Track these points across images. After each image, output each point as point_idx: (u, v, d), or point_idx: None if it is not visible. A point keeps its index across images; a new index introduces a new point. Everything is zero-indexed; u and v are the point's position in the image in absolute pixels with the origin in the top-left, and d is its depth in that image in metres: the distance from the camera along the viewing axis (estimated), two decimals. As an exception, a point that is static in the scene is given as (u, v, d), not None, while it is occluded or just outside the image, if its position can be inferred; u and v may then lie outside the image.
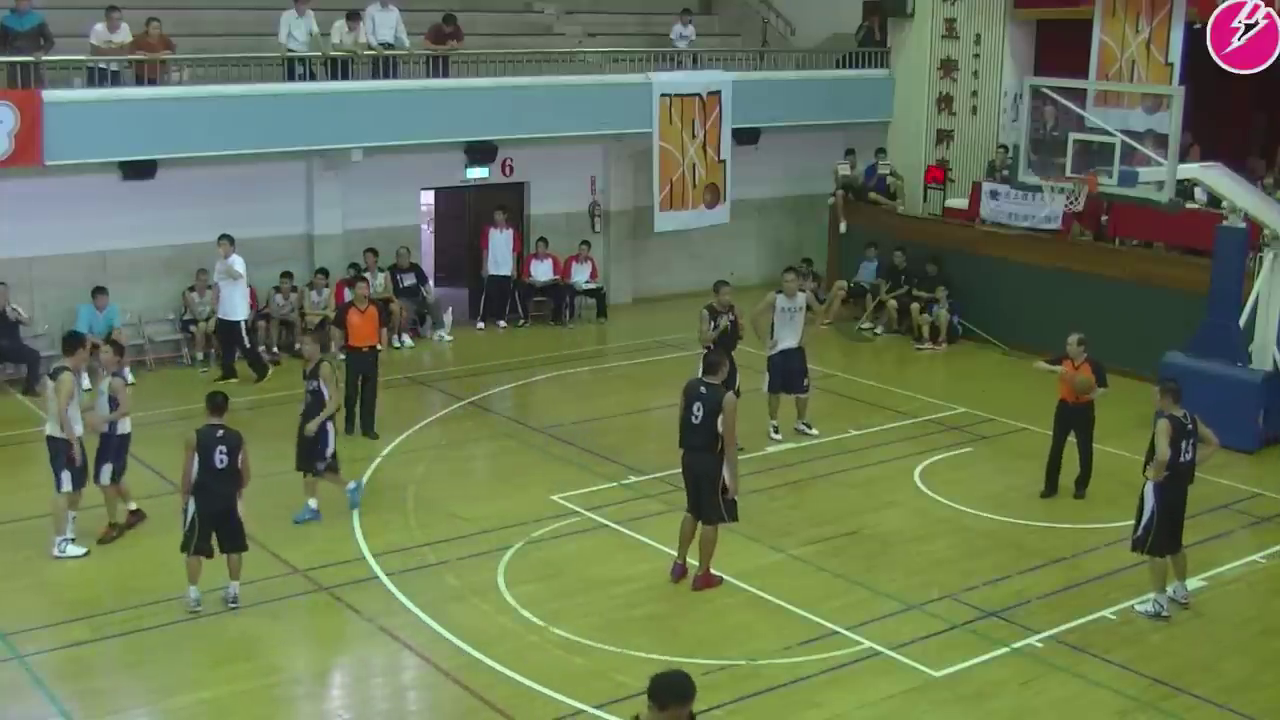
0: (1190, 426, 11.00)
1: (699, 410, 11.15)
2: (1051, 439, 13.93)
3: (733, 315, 14.73)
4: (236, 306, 17.49)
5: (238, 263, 17.31)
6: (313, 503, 12.94)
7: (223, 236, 17.33)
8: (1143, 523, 11.12)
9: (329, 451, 12.87)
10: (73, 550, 11.99)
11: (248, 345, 17.76)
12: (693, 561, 11.59)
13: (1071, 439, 13.87)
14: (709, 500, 11.28)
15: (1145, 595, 11.30)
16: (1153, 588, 11.20)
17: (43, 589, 11.38)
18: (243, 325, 17.65)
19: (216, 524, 10.87)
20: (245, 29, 19.78)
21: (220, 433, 10.83)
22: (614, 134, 21.49)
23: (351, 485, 13.19)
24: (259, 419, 16.41)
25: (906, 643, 10.58)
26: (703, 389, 11.24)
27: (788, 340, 15.37)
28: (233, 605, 10.97)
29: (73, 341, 12.54)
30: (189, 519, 10.84)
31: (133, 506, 12.67)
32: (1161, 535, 11.06)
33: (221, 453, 10.75)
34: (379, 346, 15.57)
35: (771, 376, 15.44)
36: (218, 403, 11.07)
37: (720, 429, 11.07)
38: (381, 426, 15.53)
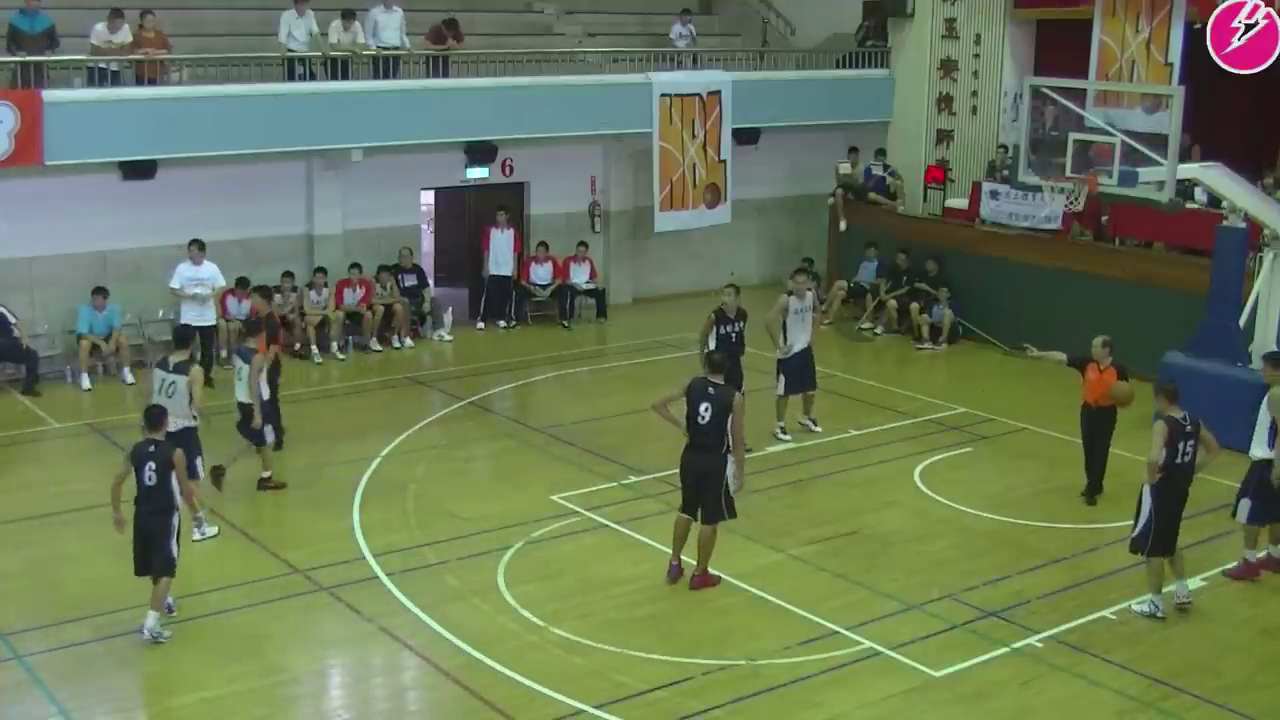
0: (1189, 429, 10.97)
1: (706, 410, 11.14)
2: (1083, 443, 13.90)
3: (739, 325, 14.73)
4: (208, 311, 17.16)
5: (216, 276, 17.08)
6: None
7: (193, 241, 17.12)
8: (1140, 524, 11.12)
9: None
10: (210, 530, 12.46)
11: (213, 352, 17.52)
12: (689, 560, 11.59)
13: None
14: (712, 500, 11.27)
15: (1143, 596, 11.30)
16: (1149, 588, 11.20)
17: (43, 589, 11.38)
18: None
19: (148, 545, 10.34)
20: (245, 29, 19.77)
21: (152, 448, 10.32)
22: (614, 134, 21.48)
23: None
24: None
25: (906, 643, 10.58)
26: (711, 389, 11.21)
27: (801, 341, 15.40)
28: (150, 641, 10.31)
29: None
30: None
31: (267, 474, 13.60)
32: (1160, 537, 11.05)
33: (150, 469, 10.23)
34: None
35: (788, 379, 15.45)
36: (154, 417, 10.62)
37: (729, 429, 11.09)
38: (381, 426, 15.55)
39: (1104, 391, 13.47)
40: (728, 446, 11.19)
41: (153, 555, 10.34)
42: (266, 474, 13.63)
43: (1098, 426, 13.69)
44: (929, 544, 12.70)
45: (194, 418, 12.18)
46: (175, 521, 10.42)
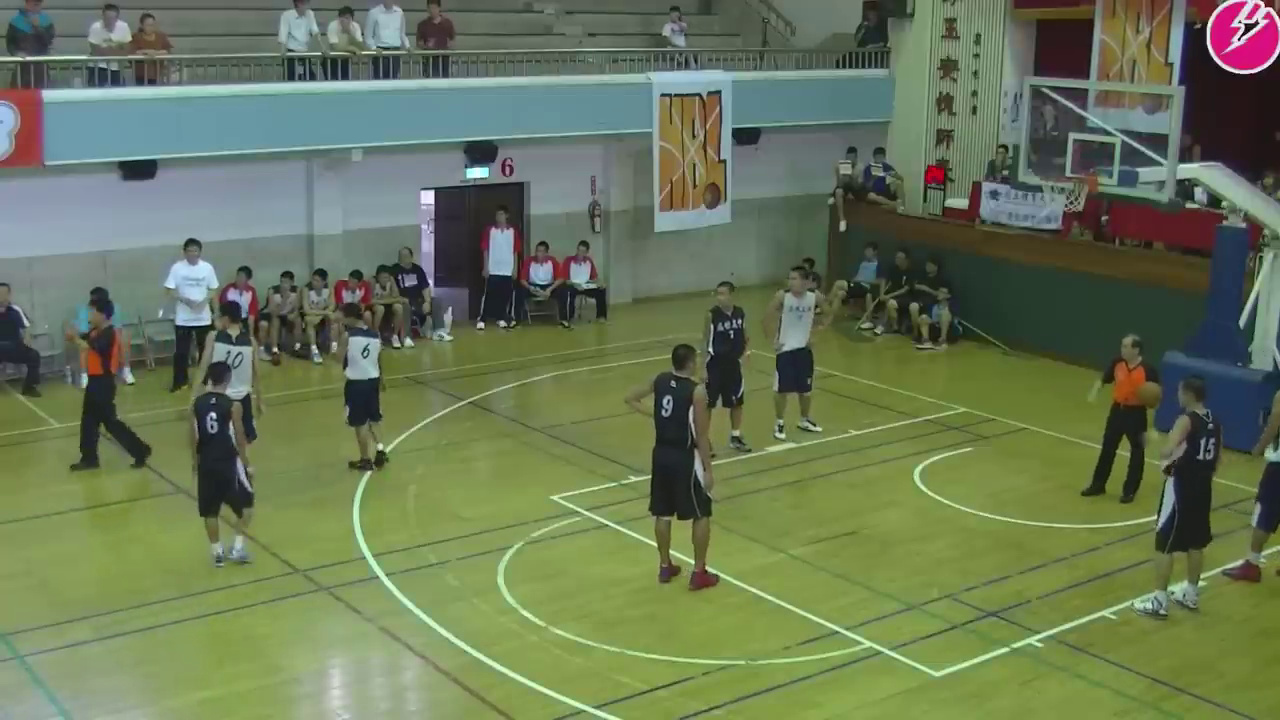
0: (1211, 426, 11.01)
1: (669, 404, 11.15)
2: (1103, 440, 13.87)
3: (737, 323, 14.71)
4: (204, 313, 16.80)
5: (211, 276, 16.92)
6: None
7: (190, 241, 17.03)
8: (1163, 519, 11.13)
9: None
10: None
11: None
12: (682, 557, 11.57)
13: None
14: (684, 496, 11.25)
15: (1146, 594, 11.30)
16: (1155, 585, 11.20)
17: (43, 589, 11.38)
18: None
19: (216, 485, 11.55)
20: (245, 29, 19.77)
21: (213, 400, 11.52)
22: (614, 134, 21.47)
23: None
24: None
25: (906, 643, 10.58)
26: (672, 383, 11.21)
27: (794, 340, 15.32)
28: (241, 561, 11.68)
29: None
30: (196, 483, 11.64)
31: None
32: (1182, 531, 11.07)
33: (212, 419, 11.39)
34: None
35: (781, 375, 15.41)
36: (218, 373, 11.87)
37: (691, 422, 11.08)
38: (381, 426, 15.52)
39: (1132, 391, 13.47)
40: (693, 442, 11.18)
41: (227, 493, 11.60)
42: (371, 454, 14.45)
43: (1127, 426, 13.67)
44: (929, 544, 12.69)
45: (253, 385, 13.28)
46: (238, 462, 11.66)
